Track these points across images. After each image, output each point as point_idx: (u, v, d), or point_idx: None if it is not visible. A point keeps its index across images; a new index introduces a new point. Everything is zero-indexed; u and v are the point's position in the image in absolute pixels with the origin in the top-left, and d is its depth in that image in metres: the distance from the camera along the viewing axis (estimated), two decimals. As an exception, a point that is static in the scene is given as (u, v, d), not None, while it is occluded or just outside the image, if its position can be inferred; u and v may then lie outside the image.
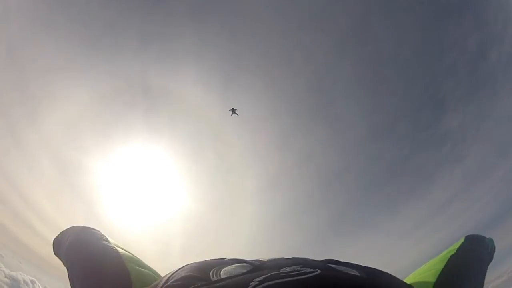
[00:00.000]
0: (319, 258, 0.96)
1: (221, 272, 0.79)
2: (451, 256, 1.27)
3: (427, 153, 32.32)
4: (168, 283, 0.75)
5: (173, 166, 32.31)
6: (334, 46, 30.78)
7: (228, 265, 0.84)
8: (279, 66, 30.86)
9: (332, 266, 0.83)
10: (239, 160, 32.59)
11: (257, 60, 30.39)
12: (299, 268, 0.70)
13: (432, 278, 1.16)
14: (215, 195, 33.52)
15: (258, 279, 0.63)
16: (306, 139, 32.82)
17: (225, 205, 33.81)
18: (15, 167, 28.24)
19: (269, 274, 0.66)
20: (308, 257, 0.94)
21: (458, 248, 1.33)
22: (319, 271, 0.68)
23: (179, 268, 0.84)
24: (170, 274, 0.83)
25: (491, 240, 1.48)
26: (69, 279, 1.19)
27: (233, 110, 23.95)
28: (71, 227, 1.43)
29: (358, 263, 0.91)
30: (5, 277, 27.02)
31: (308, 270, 0.69)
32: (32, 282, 28.66)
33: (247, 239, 33.07)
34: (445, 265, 1.21)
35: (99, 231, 1.39)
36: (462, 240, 1.41)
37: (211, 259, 0.91)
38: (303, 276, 0.64)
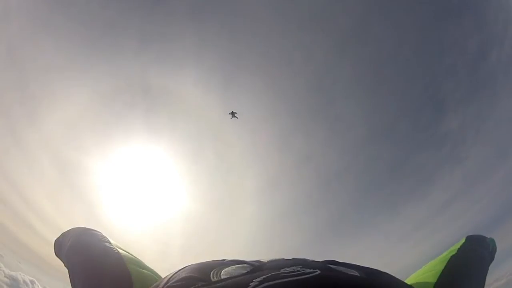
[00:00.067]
0: (318, 258, 0.96)
1: (222, 273, 0.80)
2: (452, 257, 1.27)
3: (427, 154, 32.32)
4: (169, 284, 0.76)
5: (173, 166, 32.31)
6: (334, 46, 30.81)
7: (228, 266, 0.85)
8: (279, 66, 30.88)
9: (331, 267, 0.84)
10: (239, 160, 32.60)
11: (257, 60, 30.40)
12: (299, 269, 0.71)
13: (432, 279, 1.16)
14: (214, 195, 33.53)
15: (258, 279, 0.64)
16: (305, 139, 32.84)
17: (224, 205, 33.82)
18: (15, 166, 28.24)
19: (269, 275, 0.66)
20: (308, 258, 0.94)
21: (459, 248, 1.33)
22: (318, 272, 0.68)
23: (180, 269, 0.85)
24: (170, 275, 0.84)
25: (492, 240, 1.48)
26: (70, 280, 1.19)
27: (232, 114, 23.79)
28: (72, 229, 1.44)
29: (358, 264, 0.92)
30: (5, 277, 27.01)
31: (308, 270, 0.69)
32: (32, 282, 28.63)
33: (247, 239, 33.08)
34: (446, 266, 1.21)
35: (100, 232, 1.39)
36: (463, 240, 1.40)
37: (211, 260, 0.91)
38: (303, 277, 0.65)
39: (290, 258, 0.94)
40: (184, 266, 0.87)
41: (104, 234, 1.38)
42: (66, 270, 1.26)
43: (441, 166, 31.83)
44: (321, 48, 30.66)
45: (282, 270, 0.71)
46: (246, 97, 30.33)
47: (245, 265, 0.88)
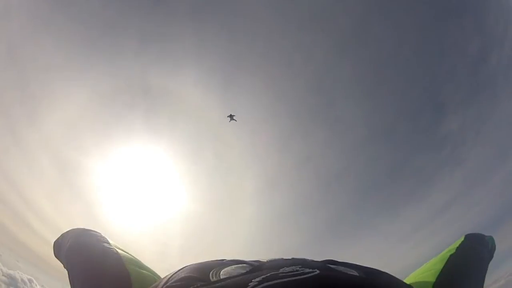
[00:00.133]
0: (317, 259, 0.96)
1: (221, 273, 0.80)
2: (451, 256, 1.26)
3: (426, 155, 32.35)
4: (168, 284, 0.76)
5: (173, 167, 32.31)
6: (334, 47, 30.83)
7: (227, 266, 0.85)
8: (279, 66, 30.91)
9: (331, 267, 0.84)
10: (239, 161, 32.60)
11: (257, 61, 30.43)
12: (298, 269, 0.71)
13: (432, 278, 1.16)
14: (214, 195, 33.53)
15: (257, 279, 0.64)
16: (305, 140, 32.84)
17: (224, 206, 33.80)
18: (15, 166, 28.25)
19: (268, 275, 0.66)
20: (307, 258, 0.94)
21: (457, 247, 1.33)
22: (318, 271, 0.68)
23: (179, 269, 0.85)
24: (170, 275, 0.83)
25: (491, 238, 1.47)
26: (70, 281, 1.19)
27: (231, 116, 23.62)
28: (71, 230, 1.44)
29: (357, 263, 0.92)
30: (3, 275, 27.01)
31: (307, 270, 0.69)
32: (30, 280, 28.64)
33: (246, 240, 33.05)
34: (445, 265, 1.21)
35: (99, 233, 1.39)
36: (462, 239, 1.40)
37: (211, 260, 0.91)
38: (302, 276, 0.65)
39: (289, 258, 0.93)
40: (184, 266, 0.87)
41: (103, 235, 1.38)
42: (65, 270, 1.26)
43: (440, 167, 31.91)
44: (321, 49, 30.73)
45: (281, 270, 0.71)
46: (246, 98, 30.38)
47: (244, 265, 0.88)
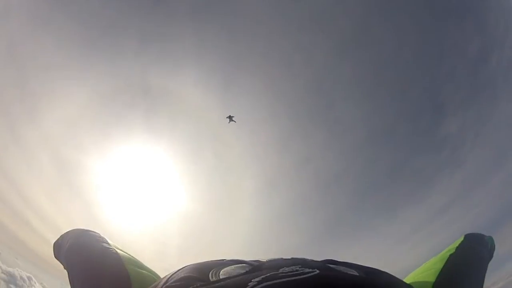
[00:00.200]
0: (317, 259, 0.96)
1: (220, 272, 0.80)
2: (451, 255, 1.27)
3: (426, 157, 32.30)
4: (168, 284, 0.76)
5: (172, 166, 32.27)
6: (334, 48, 30.79)
7: (227, 266, 0.85)
8: (279, 67, 30.86)
9: (331, 266, 0.84)
10: (238, 161, 32.57)
11: (257, 61, 30.37)
12: (297, 268, 0.71)
13: (431, 278, 1.16)
14: (213, 195, 33.49)
15: (257, 279, 0.64)
16: (304, 141, 32.82)
17: (223, 206, 33.77)
18: (14, 164, 28.19)
19: (267, 274, 0.66)
20: (307, 258, 0.94)
21: (457, 247, 1.33)
22: (317, 271, 0.68)
23: (179, 269, 0.85)
24: (169, 275, 0.84)
25: (490, 238, 1.48)
26: (69, 281, 1.19)
27: (230, 118, 23.51)
28: (70, 230, 1.44)
29: (357, 263, 0.91)
30: (2, 272, 26.98)
31: (307, 270, 0.69)
32: (29, 278, 28.63)
33: (245, 240, 33.03)
34: (445, 264, 1.21)
35: (98, 233, 1.40)
36: (461, 238, 1.40)
37: (210, 260, 0.91)
38: (301, 276, 0.65)
39: (289, 257, 0.93)
40: (183, 266, 0.87)
41: (102, 235, 1.38)
42: (67, 273, 1.26)
43: (440, 169, 31.86)
44: (321, 50, 30.69)
45: (281, 270, 0.70)
46: (245, 98, 30.34)
47: (244, 265, 0.88)
